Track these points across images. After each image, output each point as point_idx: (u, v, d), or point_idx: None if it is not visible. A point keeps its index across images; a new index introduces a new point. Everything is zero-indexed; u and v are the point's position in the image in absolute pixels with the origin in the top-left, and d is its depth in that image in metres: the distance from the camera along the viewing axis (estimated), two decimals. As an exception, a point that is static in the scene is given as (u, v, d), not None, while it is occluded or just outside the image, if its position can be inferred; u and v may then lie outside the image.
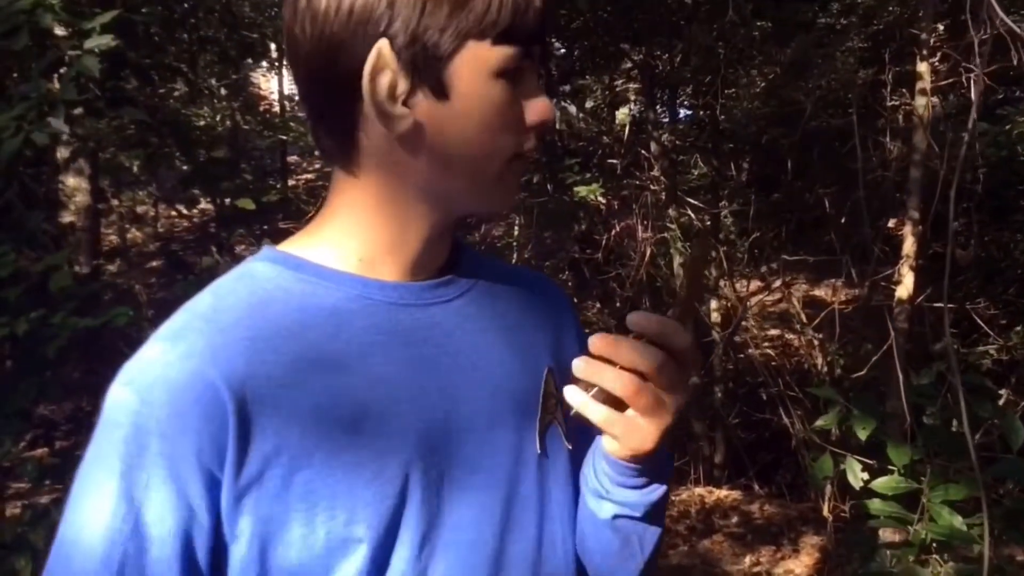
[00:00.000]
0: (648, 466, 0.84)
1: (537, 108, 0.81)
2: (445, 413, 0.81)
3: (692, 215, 5.93)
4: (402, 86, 0.76)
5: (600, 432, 0.82)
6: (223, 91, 9.28)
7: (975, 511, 2.17)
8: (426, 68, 0.75)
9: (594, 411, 0.79)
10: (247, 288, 0.80)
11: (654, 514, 0.87)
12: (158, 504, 0.71)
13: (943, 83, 4.19)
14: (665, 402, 0.78)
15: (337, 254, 0.83)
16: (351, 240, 0.83)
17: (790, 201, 6.50)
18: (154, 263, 10.08)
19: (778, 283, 6.41)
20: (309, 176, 13.55)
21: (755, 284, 6.89)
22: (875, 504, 2.17)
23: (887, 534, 3.02)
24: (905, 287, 4.62)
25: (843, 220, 5.92)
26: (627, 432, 0.79)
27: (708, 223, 6.16)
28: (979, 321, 5.69)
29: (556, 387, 0.90)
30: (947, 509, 2.08)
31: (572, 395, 0.80)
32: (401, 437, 0.78)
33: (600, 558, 0.91)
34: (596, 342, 0.77)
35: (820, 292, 8.33)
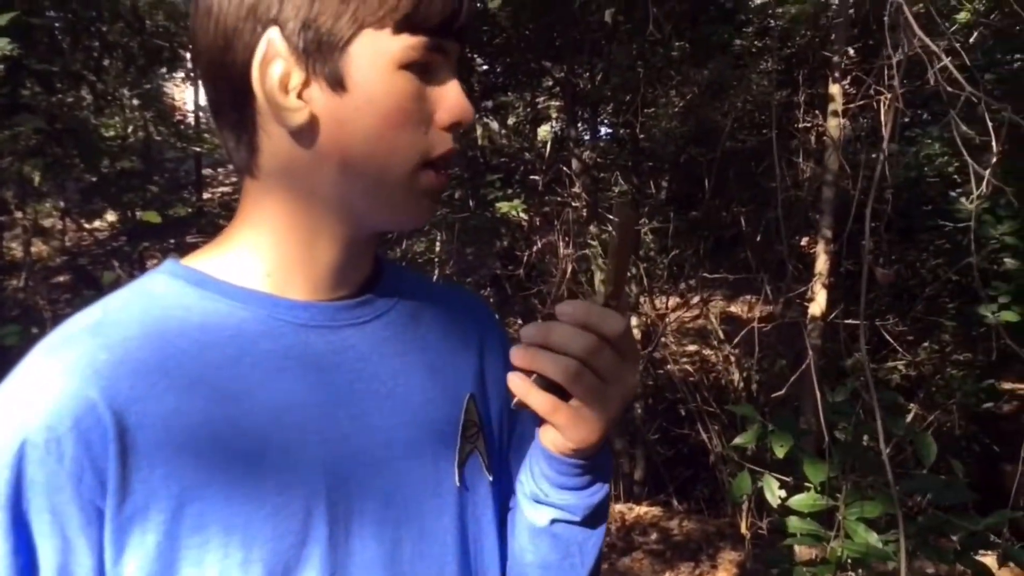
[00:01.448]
0: (591, 462, 0.79)
1: (449, 106, 0.75)
2: (356, 443, 0.75)
3: (613, 232, 5.95)
4: (296, 77, 0.71)
5: (540, 423, 0.78)
6: (135, 101, 9.00)
7: (889, 528, 2.19)
8: (320, 57, 0.70)
9: (536, 398, 0.74)
10: (142, 303, 0.73)
11: (595, 517, 0.83)
12: (35, 540, 0.64)
13: (854, 105, 4.29)
14: (608, 390, 0.74)
15: (244, 269, 0.77)
16: (258, 254, 0.77)
17: (708, 219, 6.59)
18: (61, 278, 9.72)
19: (696, 300, 6.49)
20: (225, 189, 13.25)
21: (673, 300, 6.96)
22: (792, 522, 2.17)
23: (804, 551, 3.05)
24: (818, 304, 4.71)
25: (759, 238, 6.04)
26: (570, 422, 0.74)
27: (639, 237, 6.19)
28: (888, 338, 5.85)
29: (478, 414, 0.85)
30: (863, 526, 2.10)
31: (514, 382, 0.74)
32: (306, 469, 0.72)
33: (540, 573, 0.86)
34: (528, 330, 0.73)
35: (736, 308, 8.48)
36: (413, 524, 0.78)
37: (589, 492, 0.81)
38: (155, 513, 0.66)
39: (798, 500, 2.18)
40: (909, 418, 5.12)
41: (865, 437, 2.68)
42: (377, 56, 0.70)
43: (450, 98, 0.75)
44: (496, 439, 0.90)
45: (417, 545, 0.78)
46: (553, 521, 0.82)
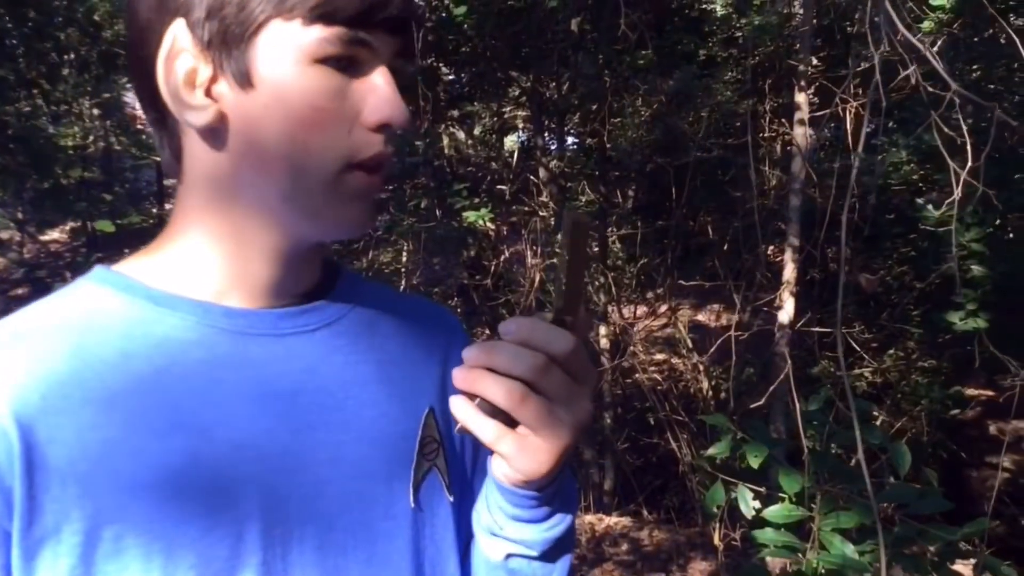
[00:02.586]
0: (548, 493, 0.72)
1: (376, 105, 0.68)
2: (298, 460, 0.69)
3: (563, 242, 5.94)
4: (203, 73, 0.65)
5: (491, 453, 0.70)
6: (95, 111, 8.85)
7: (863, 539, 2.17)
8: (226, 50, 0.65)
9: (479, 425, 0.66)
10: (63, 311, 0.67)
11: (555, 551, 0.75)
12: None
13: (821, 113, 4.30)
14: (559, 416, 0.66)
15: (177, 275, 0.71)
16: (190, 260, 0.71)
17: (675, 228, 6.59)
18: (20, 290, 9.52)
19: (664, 308, 6.49)
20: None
21: (642, 309, 6.95)
22: (767, 534, 2.13)
23: (774, 563, 3.02)
24: (786, 312, 4.72)
25: (726, 247, 6.05)
26: (518, 451, 0.66)
27: (596, 249, 6.18)
28: (855, 345, 5.88)
29: (439, 430, 0.79)
30: (838, 537, 2.07)
31: (458, 407, 0.67)
32: (237, 489, 0.66)
33: None
34: (470, 351, 0.65)
35: (702, 317, 8.50)
36: (361, 549, 0.72)
37: (547, 525, 0.73)
38: (68, 535, 0.60)
39: (773, 511, 2.14)
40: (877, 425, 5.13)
41: (832, 446, 2.66)
42: (286, 49, 0.65)
43: (377, 96, 0.68)
44: (459, 457, 0.84)
45: (365, 571, 0.72)
46: (508, 556, 0.74)
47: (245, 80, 0.65)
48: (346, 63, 0.67)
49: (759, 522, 2.25)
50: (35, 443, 0.60)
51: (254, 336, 0.71)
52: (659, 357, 7.80)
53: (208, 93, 0.66)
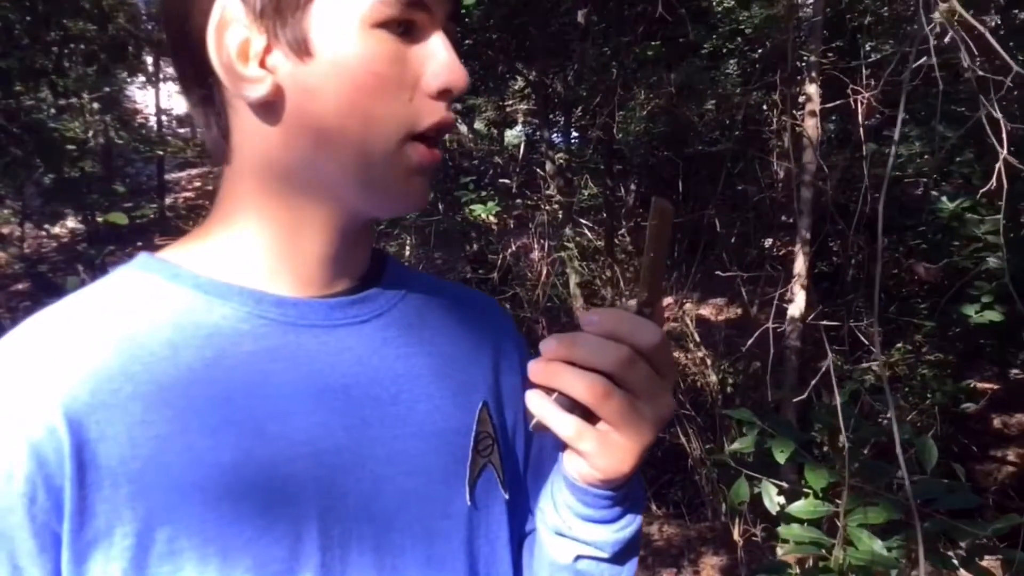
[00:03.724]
0: (622, 493, 0.69)
1: (437, 70, 0.65)
2: (353, 457, 0.66)
3: (589, 234, 5.91)
4: (257, 43, 0.62)
5: (563, 449, 0.68)
6: (95, 105, 8.80)
7: (888, 534, 2.14)
8: (280, 18, 0.61)
9: (559, 421, 0.63)
10: (108, 301, 0.64)
11: (625, 553, 0.72)
12: None
13: (832, 104, 4.26)
14: (642, 412, 0.63)
15: (225, 262, 0.67)
16: (240, 246, 0.68)
17: (682, 221, 6.55)
18: (20, 285, 9.48)
19: (669, 301, 6.45)
20: (188, 194, 13.04)
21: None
22: (793, 529, 2.10)
23: (790, 558, 2.99)
24: (797, 306, 4.68)
25: (733, 240, 6.01)
26: (599, 449, 0.63)
27: (603, 243, 6.15)
28: (862, 338, 5.84)
29: (493, 425, 0.76)
30: (866, 533, 2.04)
31: (534, 402, 0.64)
32: (294, 487, 0.63)
33: None
34: (549, 342, 0.62)
35: (705, 312, 8.47)
36: (418, 549, 0.69)
37: (619, 526, 0.70)
38: (120, 538, 0.57)
39: (798, 507, 2.11)
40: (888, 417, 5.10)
41: (842, 439, 2.62)
42: (344, 14, 0.61)
43: (438, 60, 0.65)
44: (512, 452, 0.81)
45: (423, 572, 0.69)
46: (578, 557, 0.71)
47: (302, 49, 0.62)
48: (404, 27, 0.64)
49: (782, 517, 2.22)
50: (85, 441, 0.57)
51: (305, 327, 0.67)
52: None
53: (262, 64, 0.62)
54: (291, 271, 0.68)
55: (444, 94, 0.66)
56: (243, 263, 0.67)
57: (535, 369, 0.63)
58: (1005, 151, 1.86)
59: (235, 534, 0.60)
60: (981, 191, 2.03)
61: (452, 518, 0.71)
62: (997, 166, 1.91)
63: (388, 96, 0.63)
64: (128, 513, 0.57)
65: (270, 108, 0.63)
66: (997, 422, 7.05)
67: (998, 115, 1.93)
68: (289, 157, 0.65)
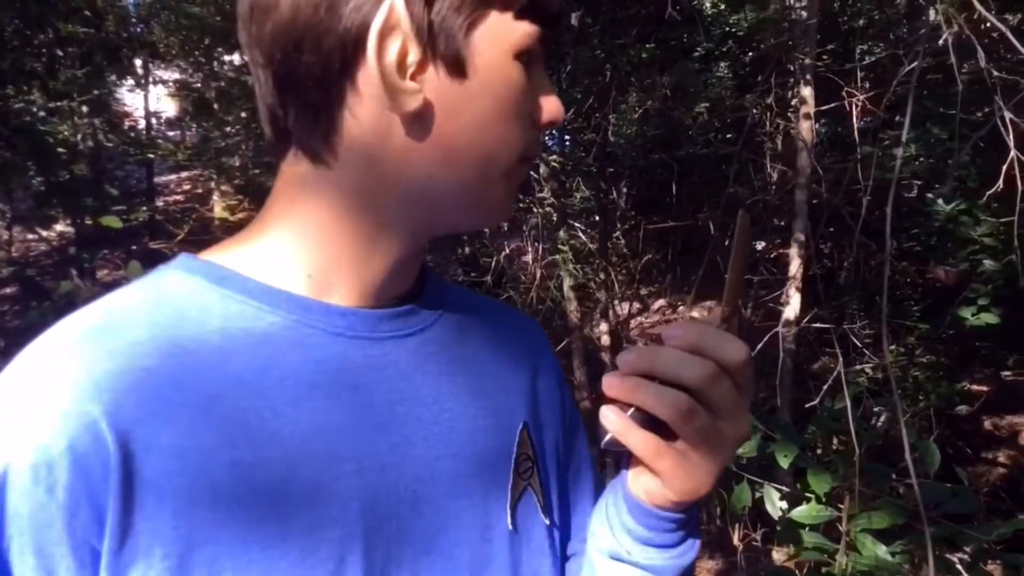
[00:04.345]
0: (686, 516, 0.66)
1: (550, 104, 0.68)
2: (397, 477, 0.63)
3: (584, 237, 5.90)
4: (413, 55, 0.60)
5: (628, 467, 0.65)
6: (84, 108, 8.74)
7: (891, 539, 2.12)
8: (443, 37, 0.60)
9: (636, 439, 0.60)
10: (150, 303, 0.60)
11: None
12: None
13: (826, 107, 4.26)
14: (723, 432, 0.61)
15: (278, 267, 0.65)
16: (300, 250, 0.65)
17: (675, 224, 6.55)
18: (8, 289, 9.40)
19: (660, 303, 6.46)
20: (178, 197, 12.98)
21: (637, 305, 6.92)
22: (797, 535, 2.09)
23: (786, 559, 2.97)
24: (792, 308, 4.68)
25: (726, 243, 6.00)
26: (676, 469, 0.61)
27: (597, 246, 6.14)
28: (856, 341, 5.85)
29: (532, 447, 0.73)
30: (870, 538, 2.02)
31: (609, 417, 0.61)
32: (339, 507, 0.60)
33: None
34: (627, 355, 0.61)
35: (696, 314, 8.48)
36: (459, 573, 0.66)
37: (679, 551, 0.67)
38: (159, 559, 0.54)
39: (802, 511, 2.10)
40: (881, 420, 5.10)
41: (830, 441, 2.61)
42: (499, 41, 0.62)
43: (547, 96, 0.68)
44: (551, 475, 0.78)
45: None
46: None
47: (459, 70, 0.62)
48: (529, 60, 0.65)
49: (785, 522, 2.21)
50: (132, 452, 0.54)
51: (352, 338, 0.65)
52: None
53: (413, 77, 0.61)
54: (350, 281, 0.66)
55: (547, 126, 0.68)
56: (298, 269, 0.65)
57: (611, 383, 0.61)
58: (1013, 149, 1.86)
59: (279, 557, 0.57)
60: (988, 192, 2.01)
61: (493, 542, 0.68)
62: (1003, 167, 1.90)
63: (517, 123, 0.65)
64: (170, 532, 0.54)
65: (412, 120, 0.62)
66: (988, 424, 7.06)
67: (1010, 116, 1.93)
68: (409, 170, 0.64)
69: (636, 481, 0.65)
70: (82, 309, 0.60)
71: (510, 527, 0.69)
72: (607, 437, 0.61)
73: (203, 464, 0.56)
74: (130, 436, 0.54)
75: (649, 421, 0.60)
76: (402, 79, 0.60)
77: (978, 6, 1.83)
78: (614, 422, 0.61)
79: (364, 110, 0.62)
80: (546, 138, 7.01)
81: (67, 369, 0.55)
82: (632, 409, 0.60)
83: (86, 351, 0.56)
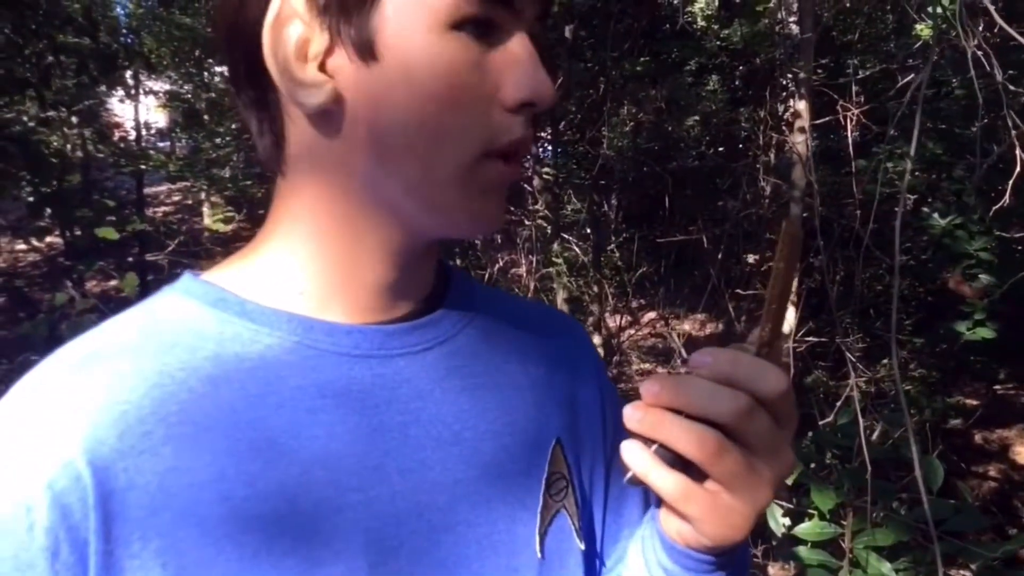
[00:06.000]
0: (727, 559, 0.60)
1: (518, 80, 0.57)
2: (408, 506, 0.59)
3: (577, 250, 5.89)
4: (317, 43, 0.55)
5: (660, 504, 0.59)
6: (74, 119, 8.69)
7: (894, 556, 2.10)
8: (344, 15, 0.54)
9: (661, 479, 0.54)
10: (141, 330, 0.57)
11: None
12: None
13: (820, 121, 4.27)
14: (759, 471, 0.54)
15: (273, 286, 0.61)
16: (290, 268, 0.61)
17: (666, 236, 6.55)
18: (-5, 301, 9.31)
19: (651, 316, 6.44)
20: (167, 208, 12.91)
21: (628, 319, 6.90)
22: (801, 552, 2.07)
23: None
24: (787, 322, 4.68)
25: (719, 256, 6.00)
26: (708, 513, 0.55)
27: (590, 258, 6.13)
28: (849, 355, 5.84)
29: (567, 465, 0.68)
30: (874, 555, 2.00)
31: (631, 454, 0.54)
32: (341, 542, 0.56)
33: None
34: (651, 385, 0.53)
35: (689, 327, 8.46)
36: None
37: None
38: None
39: (805, 528, 2.08)
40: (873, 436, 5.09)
41: (835, 457, 2.59)
42: (417, 13, 0.54)
43: (519, 70, 0.57)
44: (592, 493, 0.73)
45: None
46: None
47: (367, 51, 0.54)
48: (483, 28, 0.56)
49: (787, 539, 2.19)
50: (112, 490, 0.51)
51: (359, 358, 0.60)
52: (648, 367, 7.75)
53: (322, 67, 0.56)
54: (346, 297, 0.62)
55: (525, 108, 0.58)
56: (292, 287, 0.61)
57: (633, 416, 0.54)
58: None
59: None
60: (994, 208, 2.01)
61: (519, 571, 0.64)
62: (1010, 181, 1.90)
63: (464, 108, 0.56)
64: (157, 571, 0.51)
65: (328, 117, 0.57)
66: (978, 438, 7.07)
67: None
68: (346, 172, 0.59)
69: (668, 521, 0.60)
70: (78, 338, 0.58)
71: (539, 555, 0.65)
72: (629, 474, 0.55)
73: (191, 500, 0.53)
74: (109, 473, 0.51)
75: (677, 458, 0.54)
76: (303, 70, 0.55)
77: (996, 16, 1.82)
78: (636, 460, 0.55)
79: (294, 111, 0.58)
80: (540, 150, 7.01)
81: (47, 406, 0.52)
82: (657, 445, 0.54)
83: (69, 385, 0.53)
